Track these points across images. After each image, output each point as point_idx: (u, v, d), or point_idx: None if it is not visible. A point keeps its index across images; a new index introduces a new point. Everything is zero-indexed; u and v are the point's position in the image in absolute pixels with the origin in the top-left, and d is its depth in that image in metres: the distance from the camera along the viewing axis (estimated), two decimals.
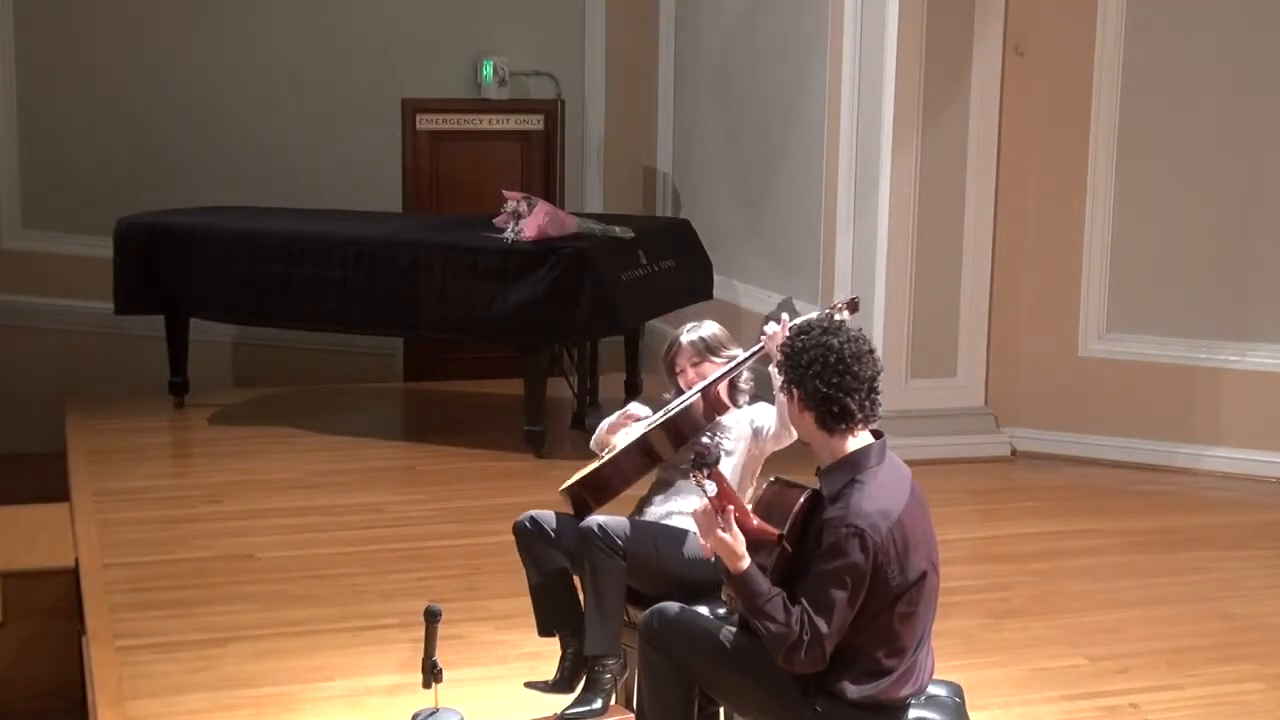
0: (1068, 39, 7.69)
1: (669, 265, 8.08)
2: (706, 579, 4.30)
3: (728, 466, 4.42)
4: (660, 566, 4.28)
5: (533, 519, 4.40)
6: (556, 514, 4.43)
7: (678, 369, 4.53)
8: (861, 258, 7.90)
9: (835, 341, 3.53)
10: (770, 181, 9.10)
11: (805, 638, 3.42)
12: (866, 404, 3.54)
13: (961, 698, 3.79)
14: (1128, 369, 7.76)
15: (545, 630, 4.44)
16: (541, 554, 4.38)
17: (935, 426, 7.70)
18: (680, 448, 4.37)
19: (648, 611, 3.79)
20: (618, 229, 7.91)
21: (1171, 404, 7.71)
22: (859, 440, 3.57)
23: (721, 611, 4.17)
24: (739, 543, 3.45)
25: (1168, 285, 7.73)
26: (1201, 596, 5.99)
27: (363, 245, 7.88)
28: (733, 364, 4.46)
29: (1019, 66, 7.69)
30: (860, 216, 7.90)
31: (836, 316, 4.08)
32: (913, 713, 3.62)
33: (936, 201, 7.70)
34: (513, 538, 4.45)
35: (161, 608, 5.68)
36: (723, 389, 4.42)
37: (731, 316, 9.16)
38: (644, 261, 7.86)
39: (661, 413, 4.43)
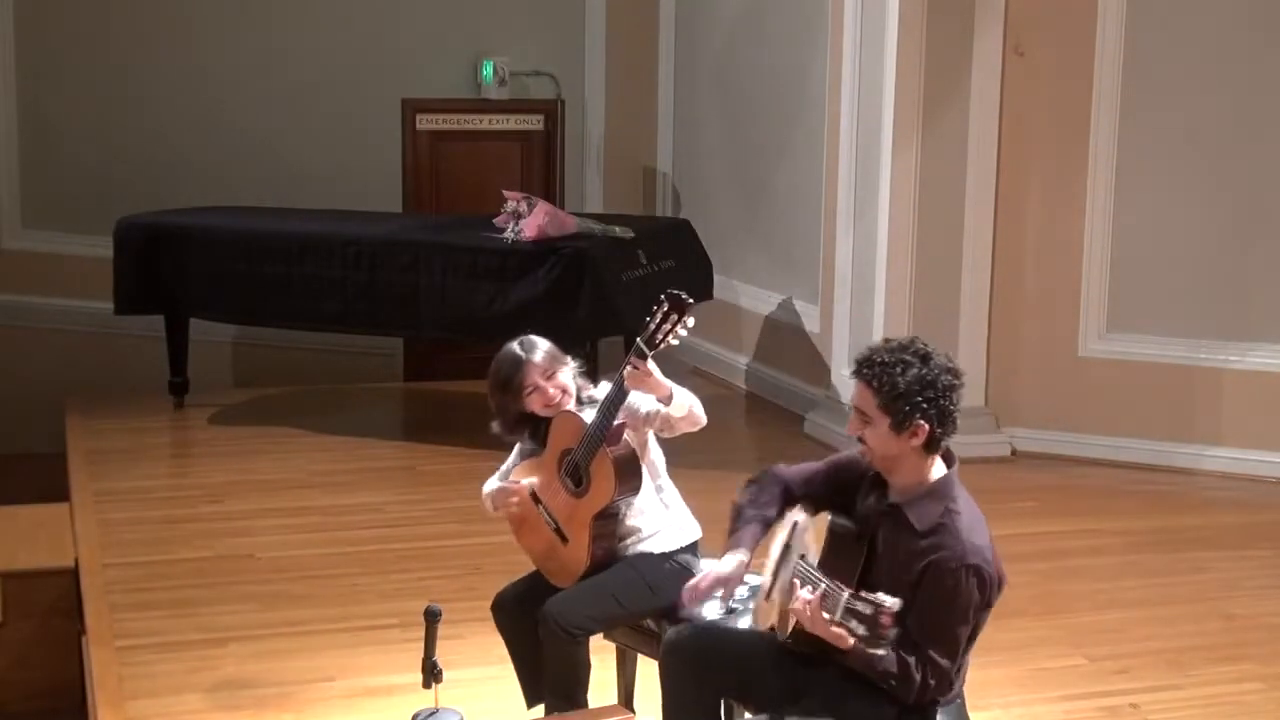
0: (1068, 39, 7.69)
1: (669, 265, 8.07)
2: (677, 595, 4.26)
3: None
4: (633, 611, 4.24)
5: (504, 598, 4.37)
6: (516, 585, 4.39)
7: (527, 388, 4.30)
8: (861, 258, 7.90)
9: (942, 360, 3.55)
10: (770, 181, 9.10)
11: (932, 681, 3.45)
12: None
13: (962, 698, 3.79)
14: (1128, 369, 7.76)
15: (532, 701, 4.40)
16: (512, 629, 4.36)
17: None
18: (621, 488, 4.22)
19: (682, 649, 3.73)
20: (618, 229, 7.91)
21: (1171, 404, 7.71)
22: (938, 465, 3.59)
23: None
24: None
25: (1168, 285, 7.73)
26: (1201, 596, 5.99)
27: (363, 245, 7.88)
28: (609, 403, 4.14)
29: (1019, 66, 7.69)
30: (860, 216, 7.90)
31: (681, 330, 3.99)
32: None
33: (936, 201, 7.70)
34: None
35: (161, 608, 5.68)
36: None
37: (731, 316, 9.18)
38: (644, 261, 7.86)
39: (570, 477, 4.26)
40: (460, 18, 10.06)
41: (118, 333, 9.27)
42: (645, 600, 4.22)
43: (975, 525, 3.52)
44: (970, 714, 3.79)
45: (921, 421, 3.48)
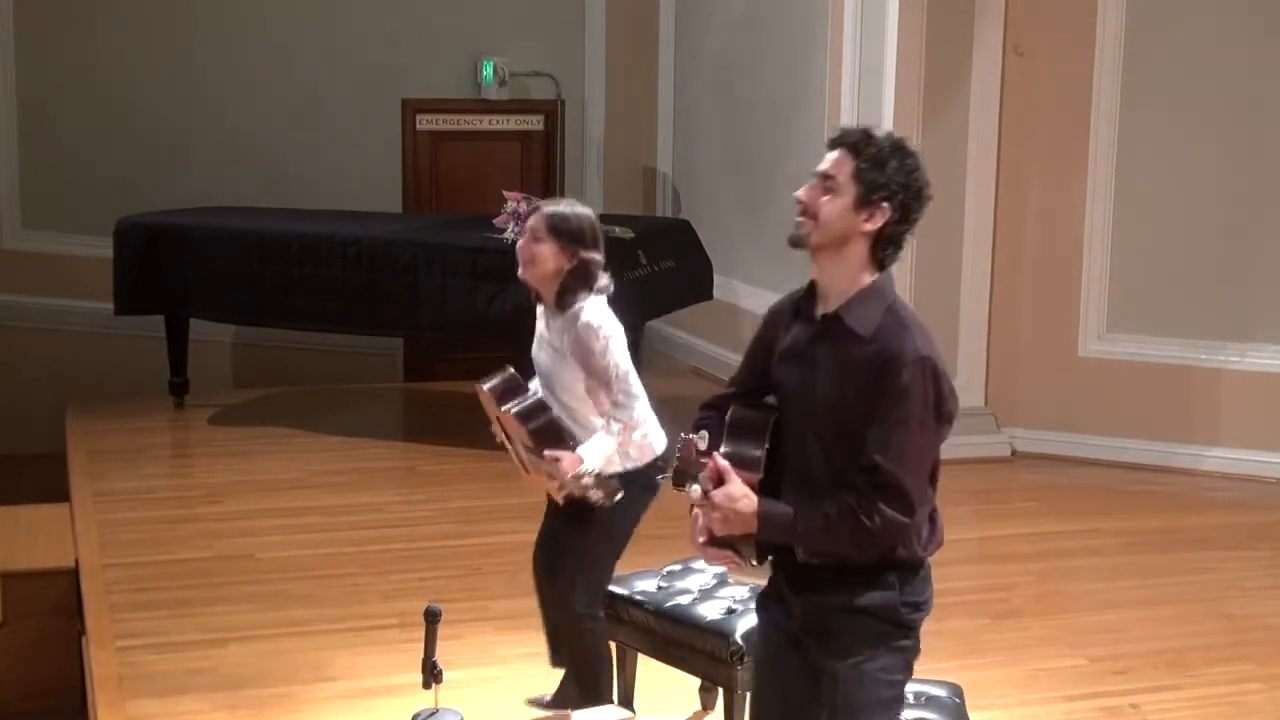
0: (1068, 39, 7.69)
1: (669, 265, 8.08)
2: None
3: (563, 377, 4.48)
4: (612, 553, 4.38)
5: (536, 548, 4.50)
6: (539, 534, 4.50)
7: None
8: None
9: (925, 173, 3.29)
10: (770, 181, 9.10)
11: (875, 520, 2.99)
12: None
13: (961, 698, 3.79)
14: (1128, 369, 7.76)
15: (556, 662, 4.53)
16: (538, 581, 4.49)
17: None
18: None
19: None
20: (618, 229, 7.90)
21: (1171, 404, 7.71)
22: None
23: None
24: (739, 504, 3.04)
25: (1168, 285, 7.73)
26: (1201, 596, 5.99)
27: (363, 245, 7.88)
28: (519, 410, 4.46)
29: (1019, 66, 7.69)
30: None
31: None
32: (913, 713, 3.61)
33: (936, 201, 7.57)
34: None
35: (162, 608, 5.68)
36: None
37: (731, 316, 9.17)
38: (644, 261, 7.86)
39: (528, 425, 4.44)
40: (460, 18, 10.07)
41: (118, 333, 9.27)
42: (609, 544, 4.35)
43: (921, 323, 3.19)
44: (970, 714, 3.80)
45: (885, 205, 3.23)
